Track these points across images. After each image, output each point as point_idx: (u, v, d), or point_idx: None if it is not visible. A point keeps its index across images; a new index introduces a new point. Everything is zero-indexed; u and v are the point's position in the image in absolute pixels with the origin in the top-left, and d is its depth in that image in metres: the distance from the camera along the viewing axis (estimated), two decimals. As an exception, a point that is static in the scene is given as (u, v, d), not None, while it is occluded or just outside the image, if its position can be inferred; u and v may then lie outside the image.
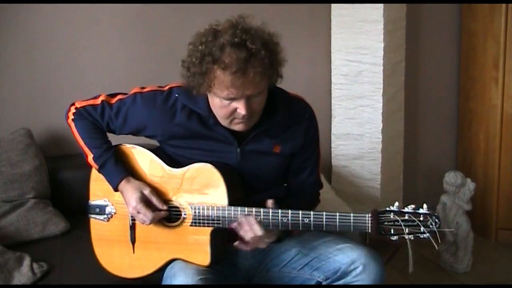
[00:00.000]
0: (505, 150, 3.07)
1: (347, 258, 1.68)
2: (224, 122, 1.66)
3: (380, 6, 2.84)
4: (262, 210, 1.62)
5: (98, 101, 1.78)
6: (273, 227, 1.63)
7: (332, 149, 3.13)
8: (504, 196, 3.10)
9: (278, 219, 1.62)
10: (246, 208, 1.63)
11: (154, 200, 1.70)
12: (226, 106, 1.59)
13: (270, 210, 1.62)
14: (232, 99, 1.57)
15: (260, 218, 1.62)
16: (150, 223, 1.69)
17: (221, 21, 1.60)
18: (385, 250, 2.13)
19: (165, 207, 1.70)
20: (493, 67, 3.06)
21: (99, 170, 1.76)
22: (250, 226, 1.62)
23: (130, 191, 1.70)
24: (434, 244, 1.52)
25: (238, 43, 1.52)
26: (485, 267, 2.88)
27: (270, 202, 1.64)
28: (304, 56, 3.04)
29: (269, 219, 1.62)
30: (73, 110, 1.80)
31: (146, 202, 1.69)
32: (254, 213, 1.62)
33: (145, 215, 1.67)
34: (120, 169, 1.74)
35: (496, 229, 3.14)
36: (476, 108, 3.23)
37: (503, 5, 2.95)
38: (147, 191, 1.70)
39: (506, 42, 2.98)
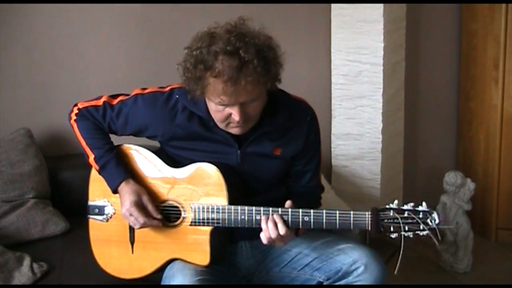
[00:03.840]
0: (505, 150, 3.07)
1: (349, 258, 1.68)
2: (220, 126, 1.66)
3: (380, 6, 2.84)
4: (262, 208, 1.62)
5: (100, 102, 1.78)
6: None
7: (332, 149, 3.13)
8: (504, 196, 3.10)
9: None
10: (246, 207, 1.63)
11: (150, 208, 1.69)
12: (221, 111, 1.59)
13: (271, 208, 1.61)
14: (225, 105, 1.57)
15: (260, 216, 1.61)
16: (140, 228, 1.69)
17: (221, 22, 1.59)
18: (385, 250, 2.13)
19: (159, 217, 1.69)
20: (493, 67, 3.05)
21: (99, 171, 1.76)
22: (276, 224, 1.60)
23: (128, 193, 1.69)
24: (435, 241, 1.52)
25: (231, 51, 1.51)
26: (485, 267, 2.87)
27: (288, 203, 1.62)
28: (304, 56, 3.03)
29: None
30: (75, 110, 1.80)
31: (141, 206, 1.68)
32: (252, 210, 1.62)
33: (137, 219, 1.67)
34: (121, 171, 1.73)
35: (496, 229, 3.14)
36: (476, 108, 3.23)
37: (503, 5, 2.94)
38: (144, 198, 1.70)
39: (506, 42, 2.97)
